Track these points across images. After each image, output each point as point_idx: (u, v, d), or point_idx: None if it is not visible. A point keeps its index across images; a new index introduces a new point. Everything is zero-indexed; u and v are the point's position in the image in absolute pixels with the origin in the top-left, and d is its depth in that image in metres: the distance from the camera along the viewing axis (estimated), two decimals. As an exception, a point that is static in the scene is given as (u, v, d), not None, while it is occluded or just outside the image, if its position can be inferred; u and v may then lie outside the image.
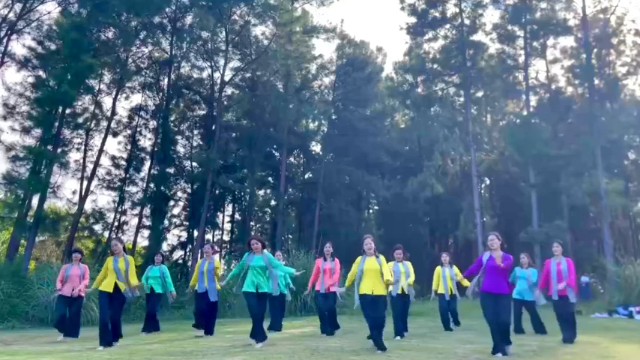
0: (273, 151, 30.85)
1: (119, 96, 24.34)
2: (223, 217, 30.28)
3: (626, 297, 15.88)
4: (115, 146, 50.65)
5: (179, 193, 27.78)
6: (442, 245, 33.52)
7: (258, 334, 7.02)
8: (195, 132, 28.79)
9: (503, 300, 6.12)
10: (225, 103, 28.14)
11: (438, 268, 10.30)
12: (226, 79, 26.11)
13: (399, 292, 8.45)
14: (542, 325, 9.37)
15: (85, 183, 22.49)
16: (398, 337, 8.09)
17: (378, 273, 6.43)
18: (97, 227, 24.58)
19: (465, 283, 9.56)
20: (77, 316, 9.18)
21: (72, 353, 6.46)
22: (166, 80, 25.97)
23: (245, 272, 7.08)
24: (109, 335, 7.14)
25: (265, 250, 7.26)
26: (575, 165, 24.27)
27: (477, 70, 28.07)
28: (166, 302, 11.88)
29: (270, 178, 31.19)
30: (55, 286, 9.50)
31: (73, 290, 8.96)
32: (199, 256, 24.66)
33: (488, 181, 35.73)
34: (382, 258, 6.61)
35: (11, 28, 18.92)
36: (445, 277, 10.09)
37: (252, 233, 30.01)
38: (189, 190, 27.57)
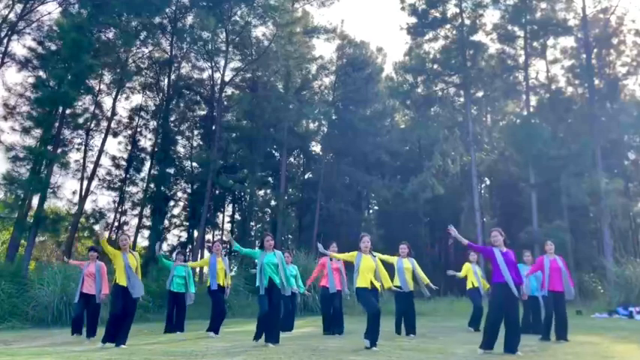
0: (273, 151, 30.82)
1: (119, 96, 24.37)
2: (223, 217, 30.31)
3: (626, 297, 15.93)
4: (115, 146, 50.67)
5: (179, 193, 27.82)
6: (442, 245, 33.50)
7: (278, 333, 7.01)
8: (195, 132, 28.80)
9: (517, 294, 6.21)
10: (226, 103, 28.14)
11: (468, 265, 10.44)
12: (226, 79, 26.11)
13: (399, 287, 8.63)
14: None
15: (85, 183, 22.53)
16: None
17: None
18: (97, 227, 24.59)
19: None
20: (95, 315, 9.26)
21: (72, 353, 6.46)
22: (166, 80, 25.99)
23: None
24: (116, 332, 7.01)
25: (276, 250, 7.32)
26: (575, 165, 24.26)
27: (477, 70, 28.05)
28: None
29: (270, 178, 31.15)
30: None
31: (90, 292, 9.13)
32: (199, 255, 24.68)
33: (488, 181, 35.70)
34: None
35: (12, 29, 18.93)
36: (476, 273, 10.25)
37: (252, 233, 30.04)
38: (189, 190, 27.58)
